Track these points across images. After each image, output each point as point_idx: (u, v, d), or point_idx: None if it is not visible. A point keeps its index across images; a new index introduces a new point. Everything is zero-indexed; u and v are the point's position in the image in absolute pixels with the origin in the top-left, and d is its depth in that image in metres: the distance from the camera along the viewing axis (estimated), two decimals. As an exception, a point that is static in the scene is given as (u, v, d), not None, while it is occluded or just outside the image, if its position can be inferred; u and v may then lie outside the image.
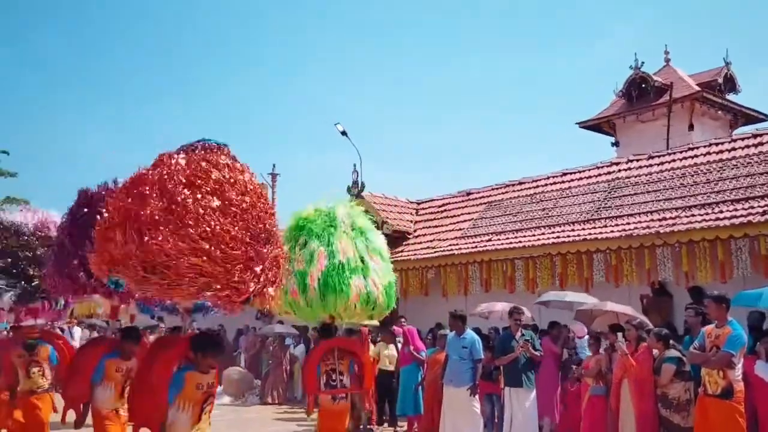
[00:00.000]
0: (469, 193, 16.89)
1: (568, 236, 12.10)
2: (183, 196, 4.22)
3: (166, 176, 4.33)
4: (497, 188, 16.24)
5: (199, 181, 4.35)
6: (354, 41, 72.94)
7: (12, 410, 7.29)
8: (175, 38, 71.66)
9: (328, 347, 6.95)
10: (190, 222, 4.13)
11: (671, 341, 7.25)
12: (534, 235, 12.93)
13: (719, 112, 22.60)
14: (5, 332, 9.18)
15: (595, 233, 11.75)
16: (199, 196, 4.28)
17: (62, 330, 14.80)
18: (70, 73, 64.19)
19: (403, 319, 11.37)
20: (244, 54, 73.42)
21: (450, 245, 14.49)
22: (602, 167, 14.48)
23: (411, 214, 17.31)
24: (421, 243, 15.63)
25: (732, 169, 11.75)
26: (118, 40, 65.75)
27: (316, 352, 7.11)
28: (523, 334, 8.60)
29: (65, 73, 64.13)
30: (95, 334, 15.11)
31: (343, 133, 18.36)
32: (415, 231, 16.52)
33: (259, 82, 70.61)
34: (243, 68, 71.84)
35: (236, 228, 4.30)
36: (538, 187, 15.10)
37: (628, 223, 11.61)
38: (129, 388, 6.10)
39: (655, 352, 7.25)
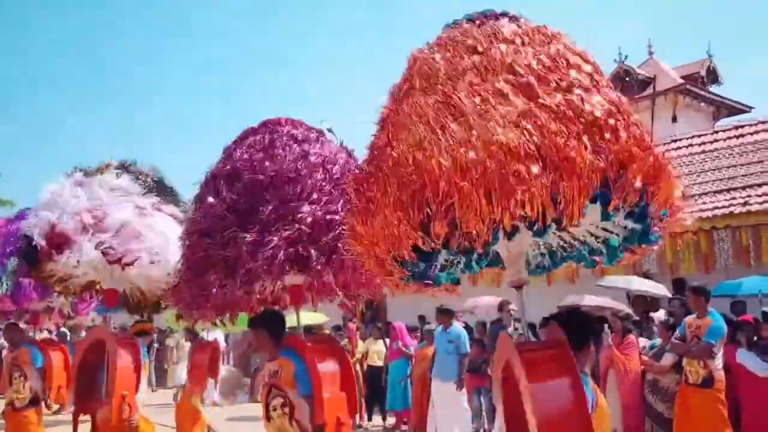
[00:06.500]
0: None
1: (553, 229, 12.11)
2: None
3: None
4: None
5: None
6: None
7: None
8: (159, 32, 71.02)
9: None
10: None
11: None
12: (519, 229, 12.93)
13: (702, 104, 22.75)
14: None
15: (579, 226, 11.79)
16: None
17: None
18: (55, 68, 63.53)
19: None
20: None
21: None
22: (587, 160, 14.52)
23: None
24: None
25: (714, 160, 11.89)
26: (103, 31, 65.19)
27: None
28: (516, 328, 8.50)
29: (49, 67, 63.47)
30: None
31: (329, 130, 18.32)
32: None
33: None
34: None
35: None
36: (523, 180, 15.07)
37: (612, 216, 11.67)
38: None
39: (660, 341, 7.31)
